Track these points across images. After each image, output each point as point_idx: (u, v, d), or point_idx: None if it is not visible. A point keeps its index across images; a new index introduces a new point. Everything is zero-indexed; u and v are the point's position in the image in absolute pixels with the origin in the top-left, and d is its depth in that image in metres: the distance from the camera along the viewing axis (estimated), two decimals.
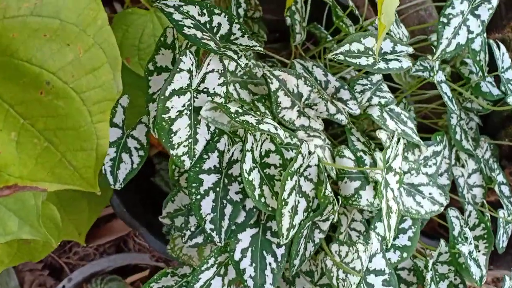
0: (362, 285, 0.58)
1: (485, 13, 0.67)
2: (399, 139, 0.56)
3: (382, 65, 0.61)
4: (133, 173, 0.63)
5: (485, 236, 0.77)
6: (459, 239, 0.71)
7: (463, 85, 0.83)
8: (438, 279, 0.72)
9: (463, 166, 0.80)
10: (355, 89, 0.68)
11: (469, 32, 0.67)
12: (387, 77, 0.89)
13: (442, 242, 0.70)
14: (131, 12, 0.64)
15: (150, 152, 0.99)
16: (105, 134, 0.38)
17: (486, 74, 0.77)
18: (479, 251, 0.78)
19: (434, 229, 1.12)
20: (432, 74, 0.73)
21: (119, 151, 0.62)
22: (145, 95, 0.59)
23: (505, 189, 0.86)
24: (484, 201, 0.81)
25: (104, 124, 0.37)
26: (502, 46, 0.77)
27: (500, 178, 0.85)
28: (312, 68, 0.69)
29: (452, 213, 0.74)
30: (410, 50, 0.64)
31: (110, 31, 0.34)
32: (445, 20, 0.65)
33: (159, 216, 0.69)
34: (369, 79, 0.70)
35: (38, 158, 0.35)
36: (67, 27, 0.31)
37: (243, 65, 0.52)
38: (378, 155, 0.66)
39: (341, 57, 0.60)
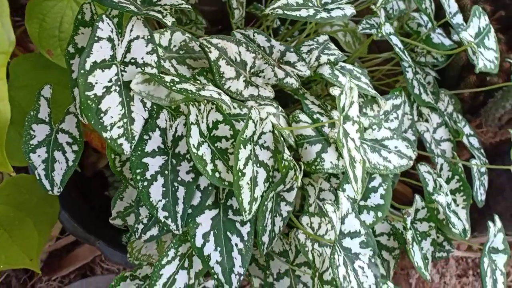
0: (337, 249, 0.53)
1: None
2: (352, 86, 0.51)
3: (324, 14, 0.56)
4: (69, 172, 0.57)
5: (461, 188, 0.74)
6: (435, 194, 0.67)
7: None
8: (419, 238, 0.68)
9: (426, 121, 0.77)
10: (302, 51, 0.64)
11: None
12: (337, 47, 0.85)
13: (417, 197, 0.66)
14: None
15: (99, 163, 0.93)
16: (3, 95, 0.32)
17: (434, 22, 0.74)
18: (457, 205, 0.74)
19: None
20: (379, 30, 0.70)
21: (50, 150, 0.56)
22: (69, 81, 0.53)
23: (474, 141, 0.83)
24: (455, 153, 0.77)
25: (1, 85, 0.31)
26: None
27: (467, 130, 0.82)
28: (254, 36, 0.64)
29: (423, 168, 0.70)
30: None
31: None
32: None
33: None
34: (315, 40, 0.66)
35: None
36: None
37: (169, 24, 0.47)
38: (335, 113, 0.61)
39: (280, 11, 0.55)
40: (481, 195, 0.81)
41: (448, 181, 0.74)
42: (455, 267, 1.28)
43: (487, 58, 0.67)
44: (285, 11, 0.55)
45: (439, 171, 0.73)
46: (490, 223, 0.68)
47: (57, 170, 0.56)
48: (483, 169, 0.81)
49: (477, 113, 0.90)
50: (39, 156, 0.56)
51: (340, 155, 0.59)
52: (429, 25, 0.78)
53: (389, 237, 0.69)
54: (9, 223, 0.71)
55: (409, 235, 0.65)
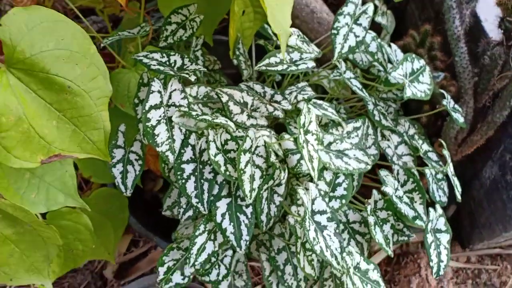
0: (310, 221, 0.80)
1: (365, 21, 0.95)
2: (309, 109, 0.81)
3: (293, 67, 0.87)
4: (137, 179, 0.88)
5: (416, 188, 0.99)
6: (383, 186, 0.93)
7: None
8: (381, 223, 0.94)
9: (388, 140, 1.04)
10: (285, 93, 0.95)
11: (356, 36, 0.94)
12: (326, 92, 1.15)
13: (374, 191, 0.92)
14: (118, 72, 0.92)
15: (155, 188, 1.25)
16: (107, 118, 0.63)
17: (387, 68, 1.03)
18: (415, 202, 0.99)
19: None
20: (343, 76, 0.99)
21: (125, 165, 0.88)
22: (135, 120, 0.85)
23: (432, 155, 1.08)
24: (412, 164, 1.04)
25: (105, 112, 0.62)
26: (393, 45, 1.04)
27: (425, 147, 1.08)
28: (253, 86, 0.95)
29: (383, 172, 0.97)
30: (313, 55, 0.90)
31: (99, 56, 0.61)
32: (335, 32, 0.92)
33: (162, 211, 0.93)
34: (295, 85, 0.97)
35: (70, 137, 0.60)
36: (74, 54, 0.58)
37: (192, 80, 0.79)
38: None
39: (263, 68, 0.86)
40: (440, 196, 1.04)
41: (405, 183, 0.99)
42: (452, 274, 1.49)
43: (419, 90, 0.95)
44: (267, 68, 0.87)
45: (396, 175, 0.99)
46: (431, 209, 0.93)
47: (129, 179, 0.88)
48: (439, 176, 1.06)
49: (438, 135, 1.16)
50: (117, 169, 0.88)
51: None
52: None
53: (360, 224, 0.95)
54: (95, 225, 1.01)
55: (370, 219, 0.91)
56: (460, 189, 1.01)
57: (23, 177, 0.65)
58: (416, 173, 1.01)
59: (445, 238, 0.94)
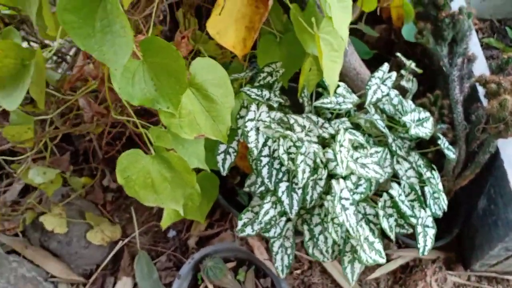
0: (338, 202, 1.28)
1: (389, 83, 1.44)
2: (344, 132, 1.30)
3: (337, 106, 1.37)
4: (231, 165, 1.39)
5: (416, 199, 1.44)
6: (389, 189, 1.39)
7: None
8: (388, 216, 1.39)
9: (401, 164, 1.50)
10: (332, 123, 1.45)
11: (382, 92, 1.43)
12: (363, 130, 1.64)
13: (384, 193, 1.39)
14: None
15: (234, 181, 1.77)
16: (229, 119, 1.15)
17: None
18: (415, 208, 1.44)
19: None
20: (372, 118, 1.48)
21: (225, 155, 1.40)
22: (236, 128, 1.38)
23: (433, 180, 1.53)
24: (416, 182, 1.49)
25: (229, 116, 1.14)
26: (409, 101, 1.52)
27: (428, 174, 1.53)
28: (311, 116, 1.46)
29: (394, 185, 1.43)
30: (352, 101, 1.40)
31: (231, 85, 1.14)
32: (368, 87, 1.42)
33: (243, 189, 1.44)
34: (339, 120, 1.47)
35: (211, 127, 1.12)
36: (219, 82, 1.11)
37: (275, 105, 1.31)
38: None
39: (318, 104, 1.37)
40: (435, 210, 1.48)
41: (408, 194, 1.45)
42: (452, 285, 1.88)
43: (421, 131, 1.42)
44: (321, 104, 1.37)
45: (403, 188, 1.45)
46: (422, 210, 1.38)
47: (226, 164, 1.40)
48: (436, 195, 1.50)
49: (442, 169, 1.61)
50: (221, 157, 1.40)
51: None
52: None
53: (374, 216, 1.42)
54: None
55: (380, 212, 1.37)
56: (446, 202, 1.45)
57: (178, 146, 1.18)
58: (418, 188, 1.46)
59: (431, 231, 1.39)
